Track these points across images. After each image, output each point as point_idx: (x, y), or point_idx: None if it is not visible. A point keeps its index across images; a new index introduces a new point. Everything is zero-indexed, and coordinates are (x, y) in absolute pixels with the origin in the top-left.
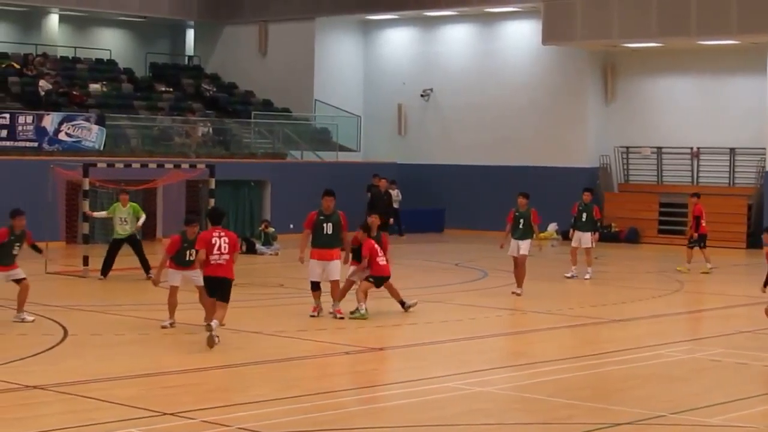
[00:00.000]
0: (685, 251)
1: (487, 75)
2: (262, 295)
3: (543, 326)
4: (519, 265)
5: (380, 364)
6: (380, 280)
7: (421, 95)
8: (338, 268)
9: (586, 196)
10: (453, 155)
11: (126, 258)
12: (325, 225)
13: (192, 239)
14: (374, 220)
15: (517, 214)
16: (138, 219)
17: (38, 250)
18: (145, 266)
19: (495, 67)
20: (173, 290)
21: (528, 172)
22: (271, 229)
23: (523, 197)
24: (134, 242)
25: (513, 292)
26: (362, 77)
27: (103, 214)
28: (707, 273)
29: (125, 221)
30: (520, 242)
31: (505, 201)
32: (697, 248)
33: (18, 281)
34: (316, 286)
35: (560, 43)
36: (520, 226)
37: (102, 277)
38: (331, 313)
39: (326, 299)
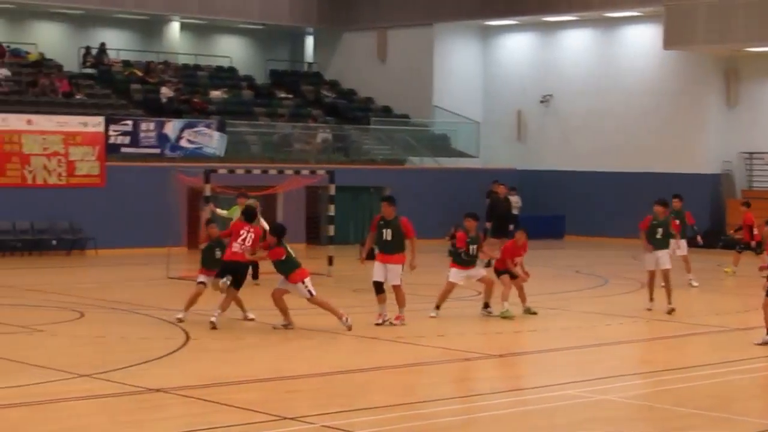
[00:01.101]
0: (734, 255)
1: (607, 80)
2: None
3: (665, 334)
4: (664, 280)
5: (500, 371)
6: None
7: (541, 101)
8: (398, 273)
9: (676, 203)
10: (573, 161)
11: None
12: (384, 231)
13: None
14: (470, 224)
15: (654, 222)
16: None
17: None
18: (255, 272)
19: (615, 72)
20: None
21: (649, 178)
22: None
23: (660, 205)
24: None
25: (669, 312)
26: (481, 83)
27: (223, 213)
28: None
29: None
30: (659, 253)
31: (626, 207)
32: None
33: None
34: (379, 288)
35: (682, 47)
36: (658, 236)
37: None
38: (386, 320)
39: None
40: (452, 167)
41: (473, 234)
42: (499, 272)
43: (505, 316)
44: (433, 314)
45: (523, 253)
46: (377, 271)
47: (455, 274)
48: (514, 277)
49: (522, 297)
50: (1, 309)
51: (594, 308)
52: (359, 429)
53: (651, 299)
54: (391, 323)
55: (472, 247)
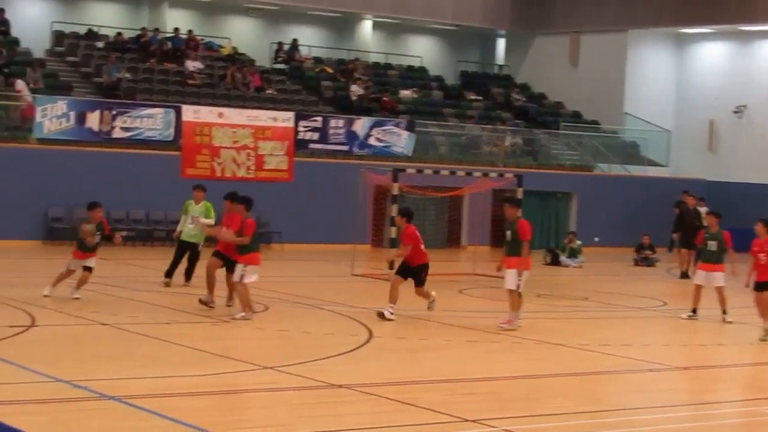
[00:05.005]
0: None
1: None
2: (564, 307)
3: None
4: None
5: (683, 384)
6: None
7: (734, 111)
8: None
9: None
10: (765, 174)
11: (437, 264)
12: (709, 242)
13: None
14: (711, 220)
15: None
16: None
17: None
18: (189, 274)
19: None
20: None
21: None
22: (578, 242)
23: None
24: (194, 252)
25: None
26: (673, 91)
27: (181, 222)
28: None
29: (193, 222)
30: None
31: None
32: None
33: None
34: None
35: None
36: None
37: (167, 280)
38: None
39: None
40: (641, 175)
41: (713, 230)
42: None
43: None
44: (685, 316)
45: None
46: (698, 276)
47: (699, 275)
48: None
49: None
50: (187, 298)
51: None
52: None
53: None
54: (499, 325)
55: (711, 243)
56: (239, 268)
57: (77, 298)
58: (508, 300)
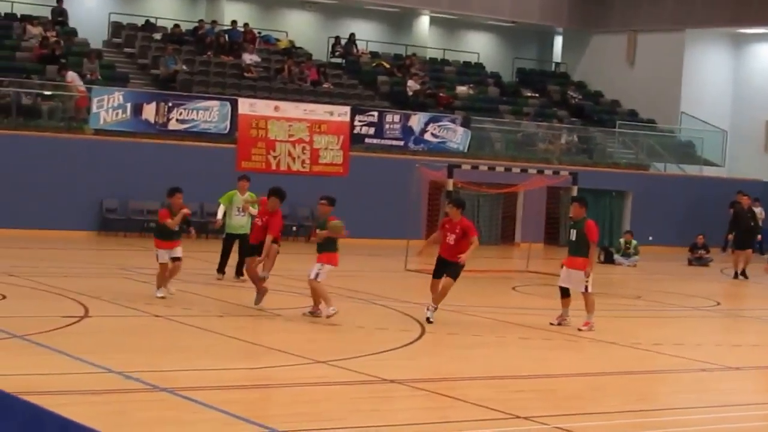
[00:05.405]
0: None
1: None
2: (618, 305)
3: None
4: None
5: (737, 384)
6: None
7: None
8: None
9: None
10: None
11: (490, 260)
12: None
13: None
14: None
15: None
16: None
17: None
18: (239, 268)
19: None
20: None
21: None
22: (634, 242)
23: None
24: (244, 241)
25: None
26: (730, 91)
27: (221, 210)
28: None
29: (241, 212)
30: None
31: None
32: None
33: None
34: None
35: None
36: None
37: (220, 276)
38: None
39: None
40: (696, 175)
41: None
42: None
43: None
44: None
45: None
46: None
47: None
48: None
49: None
50: (240, 291)
51: None
52: None
53: None
54: (578, 329)
55: None
56: (316, 267)
57: (172, 294)
58: (584, 302)
